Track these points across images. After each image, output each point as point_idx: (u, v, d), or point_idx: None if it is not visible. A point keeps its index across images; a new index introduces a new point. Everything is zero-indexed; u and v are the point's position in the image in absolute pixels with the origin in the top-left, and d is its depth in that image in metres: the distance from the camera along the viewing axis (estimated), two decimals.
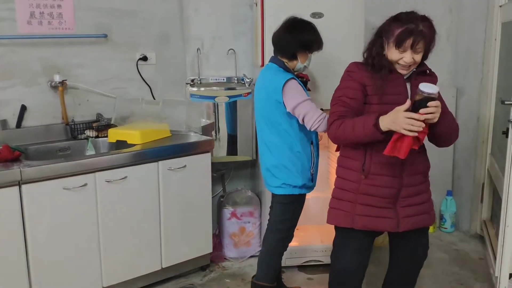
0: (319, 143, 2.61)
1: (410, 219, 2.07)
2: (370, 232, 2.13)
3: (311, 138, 2.41)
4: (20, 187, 2.26)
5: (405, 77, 2.05)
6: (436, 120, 1.87)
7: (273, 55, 2.43)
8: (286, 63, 2.37)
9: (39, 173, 2.30)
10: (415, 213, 2.09)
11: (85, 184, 2.43)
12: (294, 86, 2.31)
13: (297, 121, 2.33)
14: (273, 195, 2.50)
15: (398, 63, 2.00)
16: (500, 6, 3.12)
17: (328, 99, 2.60)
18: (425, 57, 2.04)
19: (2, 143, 2.51)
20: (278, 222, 2.48)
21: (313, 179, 2.46)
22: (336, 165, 2.87)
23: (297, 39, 2.33)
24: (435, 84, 2.03)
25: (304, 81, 2.51)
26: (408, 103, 1.85)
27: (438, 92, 1.90)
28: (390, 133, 1.89)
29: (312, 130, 2.30)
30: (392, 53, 1.99)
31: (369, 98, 2.05)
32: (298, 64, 2.38)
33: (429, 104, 1.83)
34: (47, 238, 2.36)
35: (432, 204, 2.19)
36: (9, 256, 2.27)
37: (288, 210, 2.46)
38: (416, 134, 1.83)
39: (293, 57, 2.37)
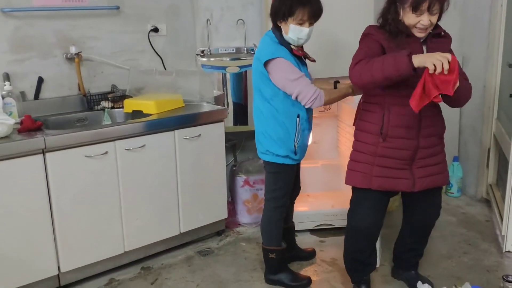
0: (322, 114, 2.55)
1: (425, 179, 2.16)
2: (386, 192, 2.22)
3: (298, 111, 2.35)
4: (44, 155, 2.33)
5: (421, 40, 2.10)
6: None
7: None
8: (283, 34, 2.29)
9: (62, 141, 2.37)
10: (430, 173, 2.17)
11: (106, 152, 2.51)
12: (281, 64, 2.25)
13: (283, 94, 2.30)
14: (264, 164, 2.52)
15: (416, 27, 2.04)
16: None
17: (339, 66, 2.67)
18: (438, 18, 2.08)
19: (22, 114, 2.57)
20: (270, 191, 2.50)
21: (296, 152, 2.40)
22: (343, 133, 2.97)
23: (275, 6, 2.25)
24: (450, 46, 2.09)
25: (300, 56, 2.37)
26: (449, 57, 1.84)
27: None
28: (416, 78, 1.90)
29: (307, 107, 2.29)
30: (409, 18, 2.03)
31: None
32: (285, 35, 2.28)
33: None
34: (71, 204, 2.45)
35: (446, 165, 2.27)
36: (36, 221, 2.36)
37: (277, 179, 2.46)
38: (440, 70, 1.81)
39: (277, 27, 2.30)
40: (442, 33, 2.15)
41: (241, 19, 3.36)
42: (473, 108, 3.52)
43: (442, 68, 1.81)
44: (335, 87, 2.49)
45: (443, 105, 2.13)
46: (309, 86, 2.25)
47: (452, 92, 1.85)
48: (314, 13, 2.24)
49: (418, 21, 2.02)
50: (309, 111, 2.42)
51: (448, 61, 1.82)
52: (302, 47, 2.42)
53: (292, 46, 2.31)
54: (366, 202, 2.25)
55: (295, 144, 2.38)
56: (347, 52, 2.47)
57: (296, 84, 2.24)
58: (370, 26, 2.18)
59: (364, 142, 2.20)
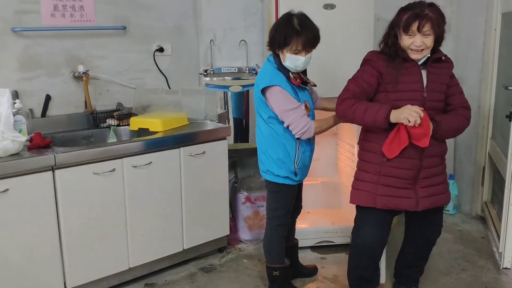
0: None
1: (428, 199, 2.23)
2: (390, 211, 2.28)
3: None
4: (53, 172, 2.37)
5: (419, 63, 2.19)
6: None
7: None
8: (282, 61, 2.34)
9: (71, 158, 2.41)
10: (433, 193, 2.24)
11: (114, 169, 2.55)
12: (276, 93, 2.30)
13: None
14: (265, 183, 2.56)
15: (410, 49, 2.14)
16: None
17: (338, 88, 2.75)
18: (438, 43, 2.17)
19: (30, 131, 2.62)
20: (271, 210, 2.54)
21: (297, 173, 2.43)
22: (343, 151, 3.05)
23: (273, 35, 2.30)
24: (451, 70, 2.19)
25: (303, 82, 2.43)
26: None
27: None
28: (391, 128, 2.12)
29: (297, 137, 2.35)
30: (404, 40, 2.15)
31: (386, 86, 2.19)
32: (283, 62, 2.33)
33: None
34: (78, 220, 2.48)
35: (448, 185, 2.35)
36: (44, 237, 2.39)
37: (278, 198, 2.50)
38: (411, 123, 2.04)
39: (275, 55, 2.35)
40: (443, 58, 2.24)
41: (244, 40, 3.45)
42: (468, 127, 3.60)
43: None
44: None
45: None
46: (301, 118, 2.30)
47: (425, 144, 2.08)
48: (309, 43, 2.27)
49: (411, 43, 2.12)
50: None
51: (420, 117, 2.02)
52: (302, 72, 2.46)
53: (290, 74, 2.35)
54: (371, 220, 2.31)
55: (295, 165, 2.42)
56: (349, 75, 2.61)
57: (290, 114, 2.30)
58: (371, 52, 2.29)
59: (368, 161, 2.27)
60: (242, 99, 3.46)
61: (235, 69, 3.46)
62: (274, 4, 2.94)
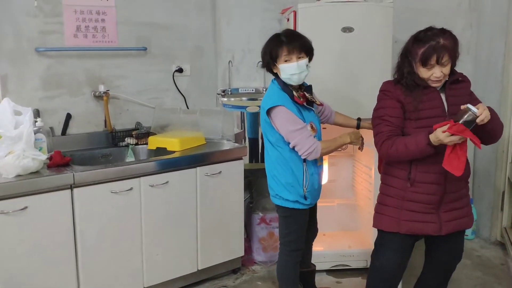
0: (337, 153, 2.56)
1: (452, 223, 2.20)
2: (412, 236, 2.25)
3: None
4: (72, 190, 2.40)
5: (438, 88, 2.18)
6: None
7: None
8: (280, 76, 2.33)
9: (90, 177, 2.44)
10: (456, 217, 2.21)
11: (131, 188, 2.57)
12: (281, 114, 2.28)
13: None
14: (276, 207, 2.53)
15: (430, 79, 2.11)
16: None
17: (356, 110, 2.77)
18: (453, 65, 2.15)
19: (50, 149, 2.66)
20: (283, 235, 2.50)
21: (306, 197, 2.39)
22: (360, 173, 3.02)
23: (263, 53, 2.35)
24: (469, 89, 2.18)
25: (308, 102, 2.41)
26: (447, 126, 1.95)
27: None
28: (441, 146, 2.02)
29: (303, 158, 2.32)
30: (422, 72, 2.11)
31: (408, 114, 2.15)
32: (282, 78, 2.32)
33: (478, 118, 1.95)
34: (95, 239, 2.50)
35: (471, 208, 2.31)
36: (60, 255, 2.41)
37: (289, 223, 2.46)
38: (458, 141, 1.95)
39: (271, 72, 2.37)
40: (460, 78, 2.21)
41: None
42: (487, 151, 3.57)
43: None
44: (358, 125, 2.62)
45: None
46: (306, 139, 2.28)
47: (478, 145, 1.98)
48: (296, 48, 2.26)
49: (431, 74, 2.08)
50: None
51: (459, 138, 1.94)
52: (307, 91, 2.42)
53: (294, 93, 2.33)
54: (392, 244, 2.28)
55: (304, 189, 2.38)
56: (367, 97, 2.63)
57: (295, 135, 2.28)
58: (386, 83, 2.26)
59: (392, 186, 2.25)
60: (257, 119, 3.47)
61: (253, 90, 3.48)
62: (293, 27, 2.97)
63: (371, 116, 2.71)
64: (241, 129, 3.49)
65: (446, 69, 2.10)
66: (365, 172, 3.28)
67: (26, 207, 2.26)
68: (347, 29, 2.87)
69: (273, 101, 2.29)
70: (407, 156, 2.10)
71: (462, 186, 2.24)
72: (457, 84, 2.21)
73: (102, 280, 2.55)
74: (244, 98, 3.36)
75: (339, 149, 2.53)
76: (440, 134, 1.96)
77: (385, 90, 2.22)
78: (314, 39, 2.45)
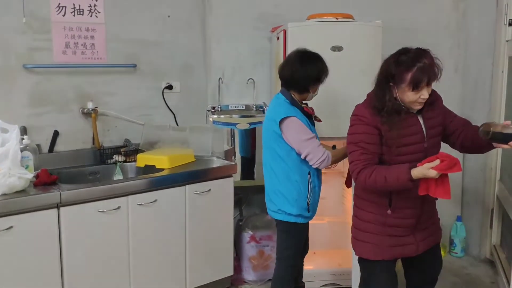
0: (327, 170, 2.64)
1: (426, 241, 2.21)
2: (394, 260, 2.24)
3: (308, 169, 2.42)
4: (58, 209, 2.36)
5: (415, 112, 2.11)
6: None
7: (282, 87, 2.47)
8: (293, 96, 2.41)
9: (77, 196, 2.41)
10: (429, 234, 2.23)
11: (119, 207, 2.54)
12: (294, 124, 2.35)
13: (296, 152, 2.38)
14: (275, 222, 2.55)
15: (416, 102, 2.04)
16: (507, 41, 3.31)
17: (345, 128, 2.77)
18: None
19: (37, 167, 2.62)
20: (281, 250, 2.52)
21: (309, 209, 2.45)
22: (349, 190, 2.98)
23: (308, 73, 2.37)
24: (442, 103, 2.18)
25: (309, 114, 2.50)
26: (437, 162, 1.89)
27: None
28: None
29: (314, 167, 2.38)
30: (408, 96, 2.01)
31: (388, 142, 2.08)
32: (310, 95, 2.44)
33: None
34: (81, 259, 2.45)
35: (439, 219, 2.34)
36: (46, 275, 2.36)
37: (288, 238, 2.49)
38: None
39: (305, 91, 2.42)
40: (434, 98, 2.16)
41: (251, 78, 3.48)
42: (476, 169, 3.59)
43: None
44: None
45: None
46: (318, 148, 2.35)
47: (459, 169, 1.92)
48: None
49: (418, 97, 2.01)
50: (318, 168, 2.48)
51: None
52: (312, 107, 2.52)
53: (303, 105, 2.43)
54: (380, 272, 2.23)
55: (308, 201, 2.43)
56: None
57: (307, 144, 2.33)
58: (360, 107, 2.14)
59: (371, 212, 2.19)
60: (250, 137, 3.46)
61: (243, 107, 3.48)
62: (283, 45, 2.98)
63: None
64: (231, 146, 3.48)
65: (430, 89, 2.05)
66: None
67: (11, 227, 2.22)
68: (337, 48, 2.89)
69: (285, 112, 2.35)
70: (385, 188, 2.04)
71: (433, 205, 2.26)
72: (433, 104, 2.15)
73: None
74: (234, 115, 3.35)
75: (330, 166, 2.55)
76: (427, 171, 1.90)
77: (360, 116, 2.10)
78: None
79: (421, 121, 2.13)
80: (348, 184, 2.51)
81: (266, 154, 2.52)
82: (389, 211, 2.14)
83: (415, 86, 1.98)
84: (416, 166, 1.96)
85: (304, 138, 2.33)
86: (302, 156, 2.35)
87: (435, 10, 3.62)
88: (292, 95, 2.42)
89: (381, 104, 2.06)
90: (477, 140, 2.11)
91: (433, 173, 1.89)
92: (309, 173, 2.42)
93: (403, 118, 2.06)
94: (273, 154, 2.45)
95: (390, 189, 2.05)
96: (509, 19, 3.30)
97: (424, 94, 2.02)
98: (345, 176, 2.60)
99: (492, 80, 3.48)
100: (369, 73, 2.95)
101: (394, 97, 2.05)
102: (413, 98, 2.03)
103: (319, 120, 2.57)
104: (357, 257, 2.33)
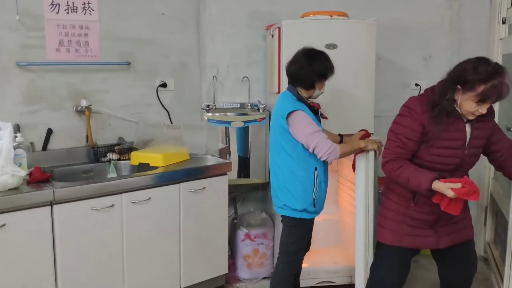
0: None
1: (449, 236, 2.25)
2: (411, 250, 2.30)
3: (315, 164, 2.46)
4: (52, 207, 2.35)
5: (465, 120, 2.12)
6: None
7: (289, 84, 2.52)
8: (300, 92, 2.47)
9: (70, 194, 2.40)
10: (456, 229, 2.26)
11: (112, 205, 2.53)
12: (301, 117, 2.39)
13: (302, 146, 2.42)
14: (281, 217, 2.58)
15: (472, 113, 2.04)
16: (501, 39, 3.33)
17: (339, 125, 2.80)
18: None
19: (30, 165, 2.61)
20: (285, 245, 2.55)
21: (315, 204, 2.49)
22: (344, 188, 3.05)
23: (314, 70, 2.42)
24: (493, 119, 2.18)
25: (316, 109, 2.57)
26: (459, 185, 1.98)
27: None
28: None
29: (322, 160, 2.42)
30: (469, 105, 2.01)
31: (428, 140, 2.11)
32: (316, 91, 2.49)
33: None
34: (75, 257, 2.44)
35: (471, 219, 2.36)
36: (39, 273, 2.35)
37: (293, 233, 2.53)
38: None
39: (311, 87, 2.47)
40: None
41: (246, 76, 3.48)
42: None
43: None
44: (341, 141, 2.71)
45: None
46: (326, 141, 2.39)
47: (475, 198, 2.01)
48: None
49: (477, 110, 2.01)
50: (325, 163, 2.53)
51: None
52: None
53: (309, 101, 2.50)
54: (393, 257, 2.31)
55: (314, 196, 2.46)
56: (350, 112, 2.77)
57: (314, 137, 2.37)
58: (413, 100, 2.15)
59: (393, 201, 2.29)
60: (247, 136, 3.45)
61: (237, 105, 3.47)
62: (277, 43, 2.98)
63: (354, 132, 2.76)
64: (226, 144, 3.47)
65: (489, 105, 2.05)
66: (349, 187, 3.28)
67: (4, 224, 2.21)
68: (331, 46, 2.89)
69: (292, 106, 2.40)
70: (405, 186, 2.15)
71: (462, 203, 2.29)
72: (485, 116, 2.13)
73: None
74: (229, 113, 3.35)
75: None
76: (446, 190, 1.98)
77: (411, 109, 2.13)
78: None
79: (468, 129, 2.13)
80: (354, 168, 2.68)
81: (273, 151, 2.55)
82: (412, 204, 2.21)
83: (482, 100, 1.98)
84: (439, 179, 2.03)
85: (312, 131, 2.37)
86: (310, 149, 2.38)
87: (429, 9, 3.62)
88: (299, 92, 2.46)
89: (438, 100, 2.07)
90: None
91: (451, 194, 1.98)
92: (316, 168, 2.45)
93: (451, 121, 2.08)
94: (279, 150, 2.48)
95: (409, 188, 2.13)
96: (502, 17, 3.32)
97: (483, 109, 2.02)
98: (351, 163, 2.77)
99: None
100: (364, 71, 2.99)
101: (453, 99, 2.04)
102: (472, 109, 2.02)
103: (325, 117, 2.63)
104: (359, 255, 2.51)
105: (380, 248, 2.37)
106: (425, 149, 2.14)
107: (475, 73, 1.98)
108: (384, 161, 2.19)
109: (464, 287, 2.45)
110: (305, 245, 2.60)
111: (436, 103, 2.07)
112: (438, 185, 2.01)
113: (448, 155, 2.12)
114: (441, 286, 2.50)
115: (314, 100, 2.57)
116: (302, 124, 2.38)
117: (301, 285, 3.03)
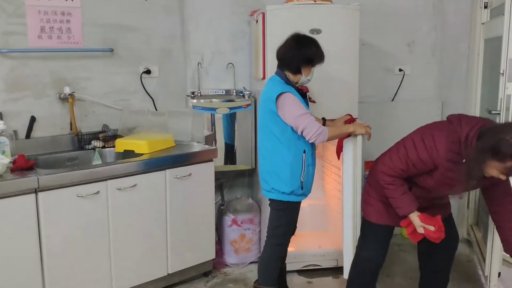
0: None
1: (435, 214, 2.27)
2: (392, 230, 2.42)
3: (304, 147, 2.48)
4: (36, 194, 2.34)
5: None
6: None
7: (277, 68, 2.54)
8: (288, 76, 2.48)
9: (55, 181, 2.39)
10: (438, 209, 2.34)
11: (98, 192, 2.52)
12: (290, 99, 2.41)
13: (291, 130, 2.44)
14: (269, 201, 2.61)
15: (491, 175, 1.99)
16: (483, 24, 3.36)
17: (324, 110, 2.82)
18: None
19: (14, 153, 2.59)
20: (272, 228, 2.58)
21: (303, 186, 2.51)
22: (329, 173, 3.12)
23: (301, 54, 2.43)
24: None
25: (304, 93, 2.60)
26: (432, 228, 2.16)
27: None
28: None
29: (310, 142, 2.44)
30: (492, 172, 1.96)
31: (433, 172, 2.14)
32: (302, 77, 2.49)
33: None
34: (61, 244, 2.44)
35: (449, 204, 2.47)
36: (25, 261, 2.34)
37: (281, 216, 2.56)
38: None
39: (297, 71, 2.47)
40: None
41: (231, 63, 3.47)
42: None
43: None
44: (324, 123, 2.73)
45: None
46: (314, 123, 2.41)
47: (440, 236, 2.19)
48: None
49: (497, 176, 1.98)
50: (313, 147, 2.56)
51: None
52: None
53: (297, 85, 2.52)
54: (380, 235, 2.41)
55: (302, 179, 2.49)
56: (333, 98, 2.80)
57: (303, 119, 2.39)
58: (443, 144, 2.06)
59: (380, 185, 2.32)
60: (234, 123, 3.45)
61: (223, 92, 3.47)
62: (262, 29, 2.98)
63: (338, 116, 2.79)
64: (212, 131, 3.47)
65: None
66: (334, 173, 3.31)
67: None
68: (315, 31, 2.89)
69: (281, 88, 2.42)
70: (389, 200, 2.26)
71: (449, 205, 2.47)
72: None
73: (68, 286, 2.49)
74: (214, 100, 3.35)
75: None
76: (418, 227, 2.18)
77: (436, 149, 2.07)
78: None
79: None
80: (338, 156, 2.77)
81: (261, 135, 2.57)
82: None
83: (507, 174, 1.96)
84: (419, 209, 2.21)
85: (300, 113, 2.39)
86: (299, 131, 2.40)
87: None
88: (287, 76, 2.47)
89: (470, 168, 1.98)
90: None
91: (420, 230, 2.17)
92: (304, 151, 2.47)
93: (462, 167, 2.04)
94: (268, 134, 2.50)
95: (391, 203, 2.26)
96: (484, 2, 3.35)
97: (503, 178, 1.98)
98: (335, 148, 2.81)
99: (468, 62, 3.53)
100: (348, 56, 3.00)
101: (482, 169, 1.96)
102: (494, 174, 1.98)
103: (313, 101, 2.66)
104: (347, 239, 2.64)
105: (366, 225, 2.46)
106: (427, 179, 2.21)
107: (510, 147, 1.88)
108: (385, 168, 2.23)
109: (445, 265, 2.51)
110: (292, 228, 2.64)
111: (469, 171, 1.99)
112: (414, 219, 2.19)
113: (441, 190, 2.23)
114: (421, 269, 2.56)
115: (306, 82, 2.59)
116: (291, 106, 2.40)
117: (287, 269, 3.07)
